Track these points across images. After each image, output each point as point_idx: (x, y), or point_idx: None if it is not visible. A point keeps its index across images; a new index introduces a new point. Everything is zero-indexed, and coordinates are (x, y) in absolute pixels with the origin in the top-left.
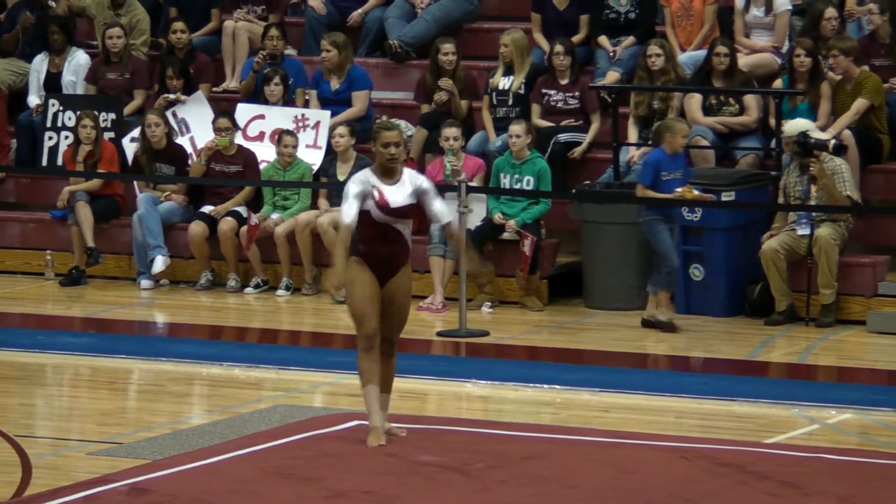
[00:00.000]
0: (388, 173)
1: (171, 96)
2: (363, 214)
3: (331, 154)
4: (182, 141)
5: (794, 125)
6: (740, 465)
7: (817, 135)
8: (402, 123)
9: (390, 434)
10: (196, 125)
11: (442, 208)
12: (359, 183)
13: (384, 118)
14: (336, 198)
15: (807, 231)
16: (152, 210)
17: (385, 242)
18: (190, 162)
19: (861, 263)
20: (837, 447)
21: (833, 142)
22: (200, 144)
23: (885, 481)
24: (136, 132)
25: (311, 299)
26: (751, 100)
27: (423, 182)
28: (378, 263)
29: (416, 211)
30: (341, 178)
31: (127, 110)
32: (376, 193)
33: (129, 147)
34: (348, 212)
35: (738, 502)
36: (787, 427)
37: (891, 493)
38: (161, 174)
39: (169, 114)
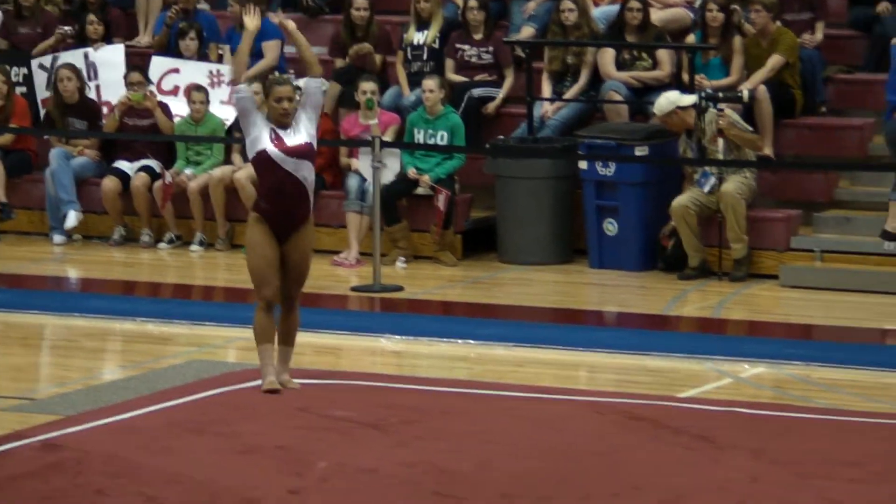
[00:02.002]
0: (282, 127)
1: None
2: (261, 159)
3: None
4: (88, 86)
5: (665, 101)
6: (654, 419)
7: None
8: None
9: (285, 387)
10: (105, 74)
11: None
12: (257, 119)
13: (291, 72)
14: None
15: (708, 188)
16: (65, 165)
17: (286, 195)
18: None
19: (773, 218)
20: (750, 401)
21: (747, 92)
22: (106, 95)
23: (798, 434)
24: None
25: (225, 255)
26: (664, 55)
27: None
28: (279, 220)
29: (315, 154)
30: None
31: (37, 50)
32: (273, 133)
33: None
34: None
35: (651, 456)
36: (700, 381)
37: (804, 445)
38: (74, 129)
39: (80, 53)
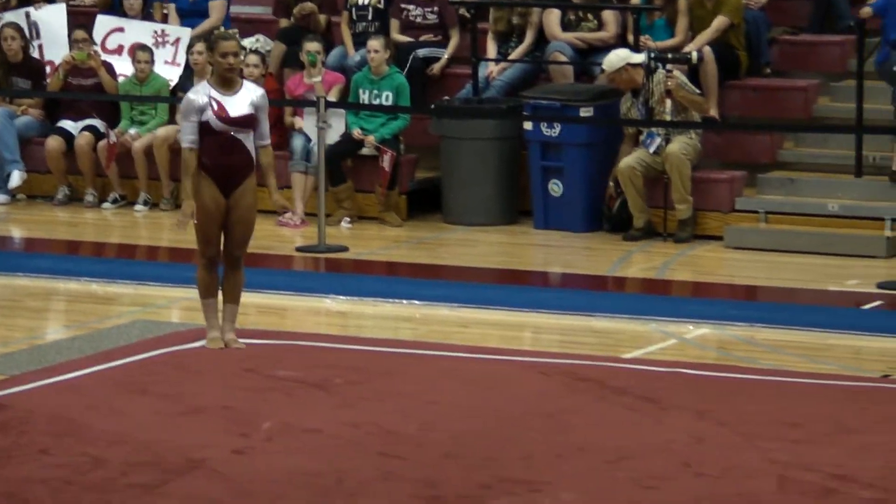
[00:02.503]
0: (227, 84)
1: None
2: (203, 126)
3: (189, 70)
4: (32, 45)
5: (614, 58)
6: (599, 380)
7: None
8: (261, 38)
9: (229, 346)
10: (47, 33)
11: (266, 130)
12: (194, 95)
13: (235, 31)
14: None
15: (654, 148)
16: (8, 124)
17: (227, 153)
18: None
19: (718, 179)
20: (695, 362)
21: (695, 54)
22: (49, 54)
23: (742, 395)
24: None
25: (169, 214)
26: (609, 15)
27: (261, 98)
28: (221, 175)
29: (255, 122)
30: None
31: None
32: (214, 104)
33: None
34: (187, 135)
35: (596, 417)
36: (645, 342)
37: (748, 406)
38: (18, 88)
39: (22, 13)
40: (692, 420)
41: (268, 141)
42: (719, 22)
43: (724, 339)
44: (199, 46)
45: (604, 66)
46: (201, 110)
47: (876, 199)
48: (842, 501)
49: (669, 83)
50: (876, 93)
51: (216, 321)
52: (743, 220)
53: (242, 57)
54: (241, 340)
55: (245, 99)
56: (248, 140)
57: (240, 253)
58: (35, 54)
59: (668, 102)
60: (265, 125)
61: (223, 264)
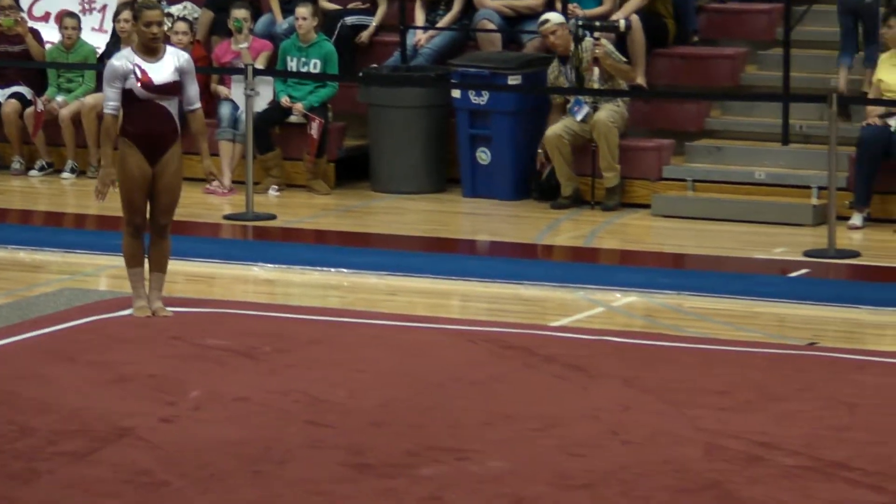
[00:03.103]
0: (151, 52)
1: None
2: (127, 94)
3: (116, 37)
4: None
5: (553, 16)
6: (527, 347)
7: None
8: (189, 5)
9: (156, 315)
10: None
11: (194, 94)
12: (118, 61)
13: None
14: None
15: (581, 116)
16: None
17: (151, 120)
18: None
19: (645, 147)
20: (622, 330)
21: (623, 22)
22: None
23: (669, 363)
24: None
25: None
26: None
27: (186, 62)
28: (146, 143)
29: (180, 88)
30: None
31: None
32: (138, 71)
33: None
34: (109, 101)
35: (524, 385)
36: (572, 310)
37: (675, 374)
38: None
39: None
40: (619, 388)
41: (197, 105)
42: None
43: (652, 306)
44: (126, 14)
45: (547, 19)
46: (124, 77)
47: (803, 167)
48: (767, 468)
49: (597, 51)
50: (803, 61)
51: (143, 290)
52: (670, 189)
53: (169, 25)
54: (169, 308)
55: (169, 65)
56: (172, 107)
57: (166, 221)
58: None
59: (596, 70)
60: (193, 89)
61: (149, 233)
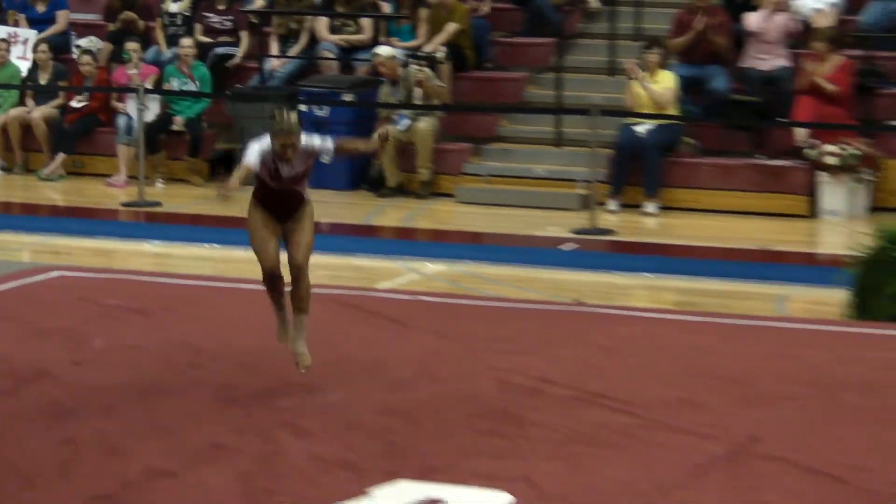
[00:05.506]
0: (285, 160)
1: None
2: (259, 178)
3: (35, 64)
4: None
5: (385, 49)
6: (358, 305)
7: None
8: (94, 39)
9: (296, 358)
10: None
11: (328, 148)
12: (259, 150)
13: (284, 112)
14: (40, 99)
15: (403, 127)
16: None
17: (281, 198)
18: None
19: (452, 149)
20: (433, 291)
21: (439, 54)
22: None
23: (469, 317)
24: None
25: (22, 178)
26: (366, 22)
27: (314, 147)
28: (275, 209)
29: (309, 172)
30: (42, 81)
31: None
32: (272, 170)
33: None
34: (251, 159)
35: (356, 334)
36: (394, 276)
37: (474, 326)
38: None
39: None
40: (430, 337)
41: (330, 150)
42: (451, 27)
43: (455, 273)
44: (43, 47)
45: (375, 58)
46: (264, 160)
47: (571, 165)
48: (545, 398)
49: (420, 75)
50: (571, 83)
51: (283, 332)
52: (470, 182)
53: (76, 55)
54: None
55: (300, 162)
56: (302, 186)
57: (301, 260)
58: None
59: (418, 91)
60: (328, 144)
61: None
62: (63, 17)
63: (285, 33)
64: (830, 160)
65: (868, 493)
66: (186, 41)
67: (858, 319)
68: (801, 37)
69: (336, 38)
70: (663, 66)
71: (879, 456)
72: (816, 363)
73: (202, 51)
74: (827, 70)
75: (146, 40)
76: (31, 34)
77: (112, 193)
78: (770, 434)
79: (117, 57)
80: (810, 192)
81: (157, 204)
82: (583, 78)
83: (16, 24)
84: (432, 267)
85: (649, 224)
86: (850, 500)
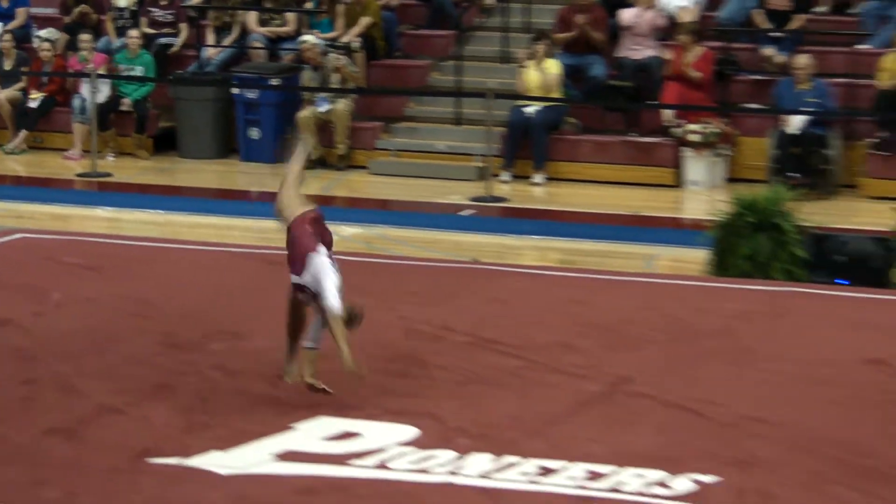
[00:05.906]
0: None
1: None
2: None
3: (0, 52)
4: None
5: (309, 38)
6: (284, 262)
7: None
8: (52, 30)
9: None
10: None
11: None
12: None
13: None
14: (5, 83)
15: (323, 108)
16: None
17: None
18: None
19: (365, 127)
20: (349, 251)
21: (354, 44)
22: None
23: (381, 274)
24: None
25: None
26: (291, 16)
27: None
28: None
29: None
30: (7, 68)
31: None
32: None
33: None
34: (336, 302)
35: (282, 289)
36: None
37: (384, 281)
38: None
39: None
40: (348, 295)
41: (332, 304)
42: (365, 21)
43: (369, 236)
44: (7, 37)
45: (301, 45)
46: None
47: (469, 141)
48: (446, 344)
49: (338, 63)
50: (470, 69)
51: (293, 360)
52: (381, 156)
53: (37, 44)
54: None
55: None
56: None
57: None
58: None
59: (336, 76)
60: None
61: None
62: (22, 13)
63: (220, 25)
64: (693, 137)
65: (720, 425)
66: (133, 32)
67: (716, 276)
68: (668, 30)
69: (264, 29)
70: (550, 55)
71: (731, 392)
72: (679, 313)
73: (147, 41)
74: (691, 59)
75: (98, 31)
76: None
77: (68, 165)
78: (639, 374)
79: (73, 46)
80: (676, 165)
81: (108, 175)
82: (479, 66)
83: None
84: (349, 230)
85: (537, 193)
86: (707, 430)
